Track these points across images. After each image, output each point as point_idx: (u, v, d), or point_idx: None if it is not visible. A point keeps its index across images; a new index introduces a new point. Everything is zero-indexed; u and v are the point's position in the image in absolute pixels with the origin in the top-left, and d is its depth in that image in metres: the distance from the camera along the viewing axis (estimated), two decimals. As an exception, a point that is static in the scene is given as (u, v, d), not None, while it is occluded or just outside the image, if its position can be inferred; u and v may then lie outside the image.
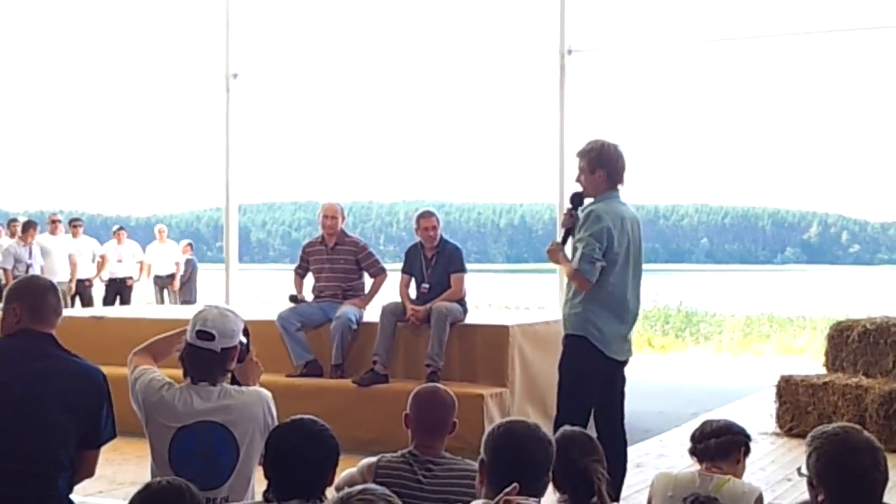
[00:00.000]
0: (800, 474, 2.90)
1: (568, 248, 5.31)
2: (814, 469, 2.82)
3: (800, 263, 68.55)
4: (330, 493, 3.00)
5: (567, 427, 3.42)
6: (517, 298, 23.53)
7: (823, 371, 8.48)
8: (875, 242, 72.51)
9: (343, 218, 8.38)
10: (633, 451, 6.57)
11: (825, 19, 10.01)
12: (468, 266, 8.10)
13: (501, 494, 2.74)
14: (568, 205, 5.33)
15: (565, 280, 5.41)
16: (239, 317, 3.79)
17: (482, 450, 2.92)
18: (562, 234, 5.37)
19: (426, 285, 7.90)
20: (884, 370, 8.03)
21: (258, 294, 19.29)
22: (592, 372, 5.09)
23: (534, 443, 2.89)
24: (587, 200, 5.22)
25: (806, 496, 2.94)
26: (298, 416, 3.17)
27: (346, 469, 3.54)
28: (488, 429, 2.97)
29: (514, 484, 2.74)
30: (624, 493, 4.90)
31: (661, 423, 8.45)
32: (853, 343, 8.32)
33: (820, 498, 2.81)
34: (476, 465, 3.48)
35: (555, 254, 5.38)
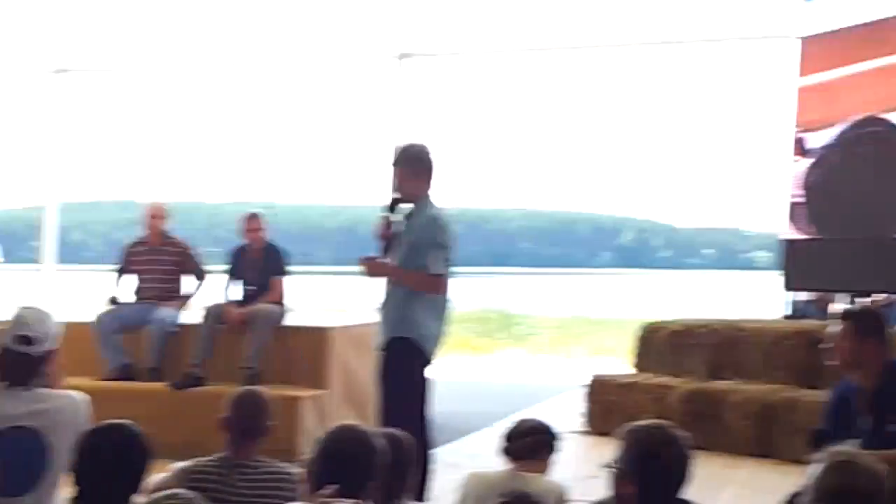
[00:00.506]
0: (608, 468, 2.98)
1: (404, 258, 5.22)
2: (628, 462, 2.91)
3: (616, 267, 70.51)
4: (141, 499, 2.97)
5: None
6: (343, 301, 23.43)
7: (634, 371, 8.78)
8: (686, 247, 75.19)
9: (167, 218, 8.23)
10: (447, 452, 6.68)
11: (643, 32, 10.49)
12: (295, 268, 8.07)
13: (316, 495, 2.79)
14: (386, 213, 5.20)
15: (385, 284, 5.28)
16: (54, 319, 3.70)
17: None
18: (382, 245, 5.18)
19: (250, 287, 7.85)
20: (688, 370, 8.28)
21: (76, 295, 18.59)
22: (418, 373, 5.15)
23: (357, 447, 2.94)
24: (405, 206, 5.21)
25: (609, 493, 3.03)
26: (109, 421, 3.12)
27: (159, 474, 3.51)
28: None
29: (330, 486, 2.79)
30: (436, 492, 4.97)
31: (475, 423, 8.49)
32: (661, 344, 8.64)
33: (629, 490, 2.90)
34: (291, 468, 3.54)
35: (378, 268, 5.17)
